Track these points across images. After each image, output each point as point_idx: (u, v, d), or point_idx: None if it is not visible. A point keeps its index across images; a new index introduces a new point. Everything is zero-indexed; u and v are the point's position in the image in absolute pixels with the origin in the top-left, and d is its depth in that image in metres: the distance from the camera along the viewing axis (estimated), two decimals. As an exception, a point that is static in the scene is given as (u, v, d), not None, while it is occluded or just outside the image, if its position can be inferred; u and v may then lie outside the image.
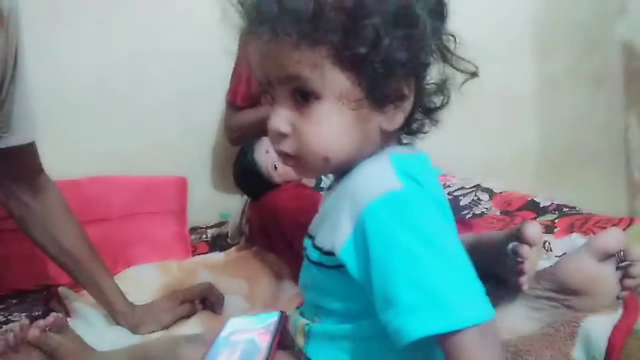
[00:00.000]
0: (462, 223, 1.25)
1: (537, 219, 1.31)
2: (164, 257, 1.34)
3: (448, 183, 1.65)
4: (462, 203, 1.48)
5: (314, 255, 0.57)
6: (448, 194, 1.56)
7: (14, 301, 1.15)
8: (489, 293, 0.80)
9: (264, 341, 0.64)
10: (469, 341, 0.45)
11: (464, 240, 0.81)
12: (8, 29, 0.77)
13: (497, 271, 0.76)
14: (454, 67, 0.56)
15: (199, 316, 1.00)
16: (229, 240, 1.42)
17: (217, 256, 1.32)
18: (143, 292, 1.12)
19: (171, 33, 1.48)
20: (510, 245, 0.71)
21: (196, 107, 1.56)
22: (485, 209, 1.42)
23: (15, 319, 1.06)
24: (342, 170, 0.57)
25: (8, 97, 0.81)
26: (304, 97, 0.53)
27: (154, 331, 0.96)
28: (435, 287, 0.46)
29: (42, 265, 1.17)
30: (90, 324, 0.97)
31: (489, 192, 1.52)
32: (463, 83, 0.57)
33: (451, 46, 0.56)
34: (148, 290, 1.13)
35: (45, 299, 1.10)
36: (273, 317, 0.71)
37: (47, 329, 0.77)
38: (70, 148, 1.47)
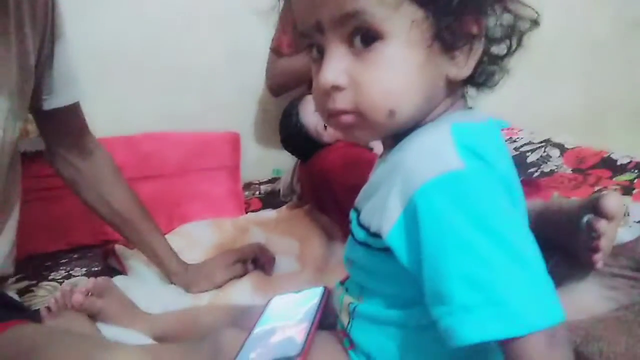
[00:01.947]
0: (529, 184, 1.16)
1: (614, 178, 1.19)
2: (218, 214, 1.34)
3: (514, 137, 1.53)
4: (529, 160, 1.38)
5: (359, 234, 0.51)
6: (514, 149, 1.45)
7: (75, 256, 1.18)
8: (556, 267, 0.73)
9: (304, 326, 0.61)
10: (534, 348, 0.39)
11: (530, 208, 0.74)
12: None
13: (568, 245, 0.69)
14: (513, 13, 0.48)
15: (250, 276, 0.99)
16: (281, 197, 1.40)
17: (270, 214, 1.30)
18: (197, 249, 1.13)
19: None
20: (586, 219, 0.63)
21: (248, 63, 1.52)
22: (555, 167, 1.31)
23: (77, 274, 1.09)
24: (398, 134, 0.50)
25: (48, 59, 0.80)
26: (365, 38, 0.45)
27: (206, 290, 0.97)
28: (496, 285, 0.39)
29: (101, 221, 1.20)
30: (144, 282, 0.98)
31: (560, 147, 1.40)
32: (524, 33, 0.49)
33: None
34: (202, 248, 1.14)
35: (103, 255, 1.12)
36: (315, 296, 0.68)
37: (89, 293, 0.78)
38: (126, 106, 1.48)
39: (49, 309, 0.77)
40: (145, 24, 1.46)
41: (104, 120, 1.43)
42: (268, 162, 1.61)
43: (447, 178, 0.42)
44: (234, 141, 1.48)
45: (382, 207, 0.46)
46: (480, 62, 0.49)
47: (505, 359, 0.41)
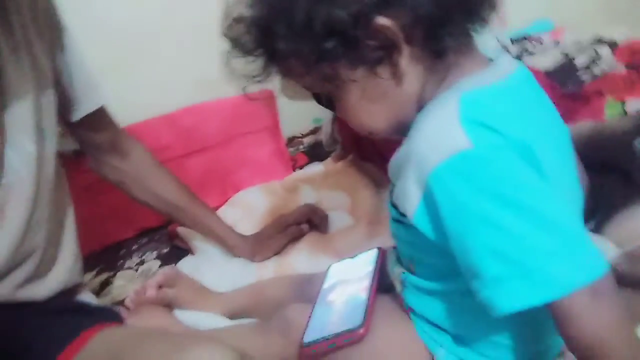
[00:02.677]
0: (577, 97, 1.09)
1: (674, 70, 1.10)
2: (267, 176, 1.36)
3: (558, 40, 1.43)
4: (577, 63, 1.28)
5: (392, 212, 0.52)
6: (560, 53, 1.36)
7: (145, 240, 1.25)
8: (613, 188, 0.71)
9: (363, 293, 0.63)
10: (578, 306, 0.39)
11: (578, 131, 0.71)
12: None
13: (623, 166, 0.66)
14: None
15: (307, 238, 1.02)
16: (325, 148, 1.40)
17: (317, 168, 1.31)
18: (253, 217, 1.17)
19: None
20: (638, 141, 0.60)
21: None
22: (606, 67, 1.22)
23: (149, 259, 1.16)
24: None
25: (64, 69, 0.82)
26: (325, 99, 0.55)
27: (267, 258, 1.01)
28: (522, 253, 0.40)
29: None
30: (211, 260, 1.03)
31: (611, 43, 1.29)
32: None
33: None
34: (257, 215, 1.17)
35: (169, 237, 1.18)
36: (371, 259, 0.70)
37: (160, 286, 0.83)
38: (157, 83, 1.48)
39: (127, 307, 0.83)
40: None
41: (138, 104, 1.46)
42: (307, 113, 1.60)
43: (457, 159, 0.42)
44: (270, 99, 1.47)
45: (404, 192, 0.47)
46: (434, 39, 0.46)
47: (553, 318, 0.41)
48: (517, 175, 0.42)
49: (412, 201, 0.46)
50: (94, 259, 1.17)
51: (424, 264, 0.54)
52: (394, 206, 0.52)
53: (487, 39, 1.34)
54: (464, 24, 0.47)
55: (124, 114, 1.45)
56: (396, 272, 0.59)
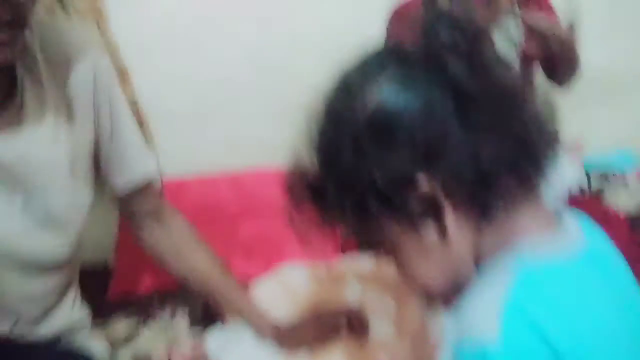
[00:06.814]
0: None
1: None
2: (313, 254, 1.33)
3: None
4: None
5: None
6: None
7: (181, 295, 1.23)
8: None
9: None
10: None
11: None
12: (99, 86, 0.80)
13: None
14: None
15: (346, 341, 0.96)
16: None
17: (367, 263, 1.27)
18: (291, 298, 1.13)
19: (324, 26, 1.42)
20: None
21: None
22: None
23: (179, 315, 1.14)
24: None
25: (110, 142, 0.84)
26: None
27: (297, 349, 0.96)
28: None
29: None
30: (241, 337, 0.99)
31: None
32: None
33: None
34: (297, 297, 1.13)
35: (205, 302, 1.15)
36: None
37: None
38: (228, 141, 1.51)
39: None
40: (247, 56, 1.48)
41: (208, 157, 1.49)
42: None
43: (478, 354, 0.40)
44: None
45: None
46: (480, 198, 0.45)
47: None
48: None
49: None
50: (127, 304, 1.16)
51: None
52: None
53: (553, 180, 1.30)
54: (513, 184, 0.45)
55: (191, 166, 1.49)
56: None
